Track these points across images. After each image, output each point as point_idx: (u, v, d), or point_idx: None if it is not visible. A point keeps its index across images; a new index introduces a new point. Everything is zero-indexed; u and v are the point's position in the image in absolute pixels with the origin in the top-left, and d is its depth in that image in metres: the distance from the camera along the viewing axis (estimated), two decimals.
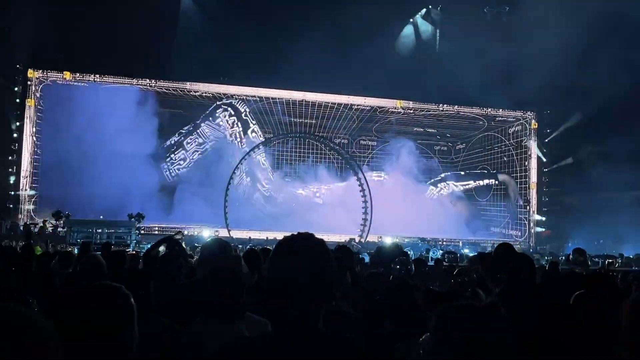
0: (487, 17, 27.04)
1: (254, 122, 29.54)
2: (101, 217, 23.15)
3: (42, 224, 21.61)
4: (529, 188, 30.08)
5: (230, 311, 2.72)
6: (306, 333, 1.81)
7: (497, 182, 31.91)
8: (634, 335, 2.51)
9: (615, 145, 29.23)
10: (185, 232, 23.50)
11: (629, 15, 22.49)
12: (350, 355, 1.85)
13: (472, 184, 33.26)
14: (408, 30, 30.80)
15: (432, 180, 33.77)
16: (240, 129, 29.24)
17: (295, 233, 1.96)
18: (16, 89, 25.58)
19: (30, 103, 25.21)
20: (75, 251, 13.35)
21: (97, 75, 25.77)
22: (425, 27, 30.61)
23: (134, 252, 14.03)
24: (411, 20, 30.90)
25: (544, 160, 30.54)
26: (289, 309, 1.82)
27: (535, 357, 2.38)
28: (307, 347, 1.78)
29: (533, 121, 30.02)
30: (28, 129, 25.14)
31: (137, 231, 21.25)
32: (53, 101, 25.38)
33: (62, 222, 20.75)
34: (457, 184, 33.69)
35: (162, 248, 7.05)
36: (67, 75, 25.64)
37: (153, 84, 26.47)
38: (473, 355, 2.02)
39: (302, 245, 1.90)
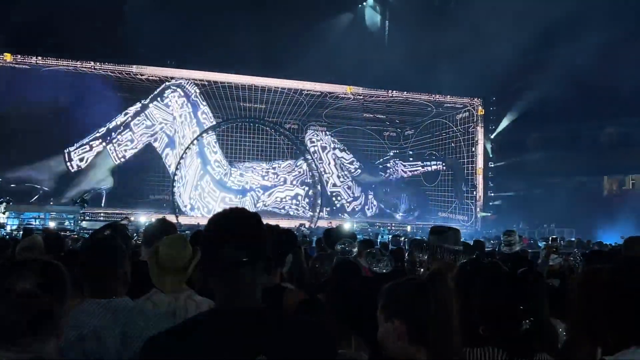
0: (435, 3, 27.27)
1: (204, 103, 29.12)
2: (51, 201, 22.63)
3: None
4: (476, 174, 30.62)
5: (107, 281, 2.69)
6: (245, 305, 1.79)
7: (444, 167, 32.35)
8: (580, 310, 2.57)
9: (560, 132, 30.07)
10: (132, 218, 23.14)
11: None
12: (293, 328, 1.84)
13: (420, 169, 33.64)
14: (349, 15, 30.71)
15: (381, 166, 34.04)
16: (190, 109, 28.77)
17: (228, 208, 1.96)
18: None
19: None
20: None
21: (40, 58, 24.97)
22: (374, 13, 30.67)
23: (76, 235, 13.73)
24: (360, 5, 30.91)
25: (491, 146, 31.13)
26: (225, 283, 1.81)
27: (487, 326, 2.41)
28: (248, 319, 1.76)
29: (480, 107, 30.52)
30: None
31: (82, 217, 20.81)
32: None
33: (2, 207, 20.10)
34: (405, 169, 34.03)
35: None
36: (8, 57, 24.76)
37: (98, 67, 25.82)
38: (422, 326, 2.02)
39: (236, 218, 1.90)
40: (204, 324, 1.78)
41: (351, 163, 32.60)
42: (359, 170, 32.60)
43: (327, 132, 32.29)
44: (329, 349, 1.87)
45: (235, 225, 1.87)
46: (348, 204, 31.76)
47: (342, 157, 32.22)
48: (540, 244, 18.84)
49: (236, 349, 1.70)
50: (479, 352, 2.34)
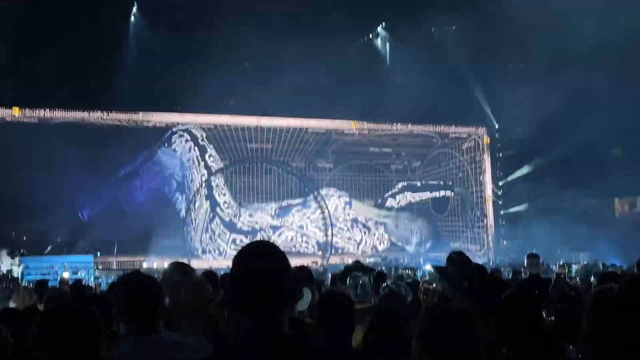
0: (435, 37, 27.59)
1: (211, 146, 29.33)
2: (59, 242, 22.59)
3: None
4: (485, 202, 30.56)
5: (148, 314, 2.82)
6: (275, 334, 1.83)
7: (453, 194, 32.23)
8: (592, 329, 2.59)
9: (568, 155, 30.05)
10: (145, 265, 23.20)
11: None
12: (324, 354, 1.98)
13: (428, 194, 33.37)
14: (351, 50, 30.81)
15: (390, 193, 33.87)
16: (197, 153, 28.98)
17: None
18: None
19: None
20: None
21: (48, 110, 25.30)
22: (375, 47, 30.90)
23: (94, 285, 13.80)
24: (361, 41, 31.18)
25: (500, 174, 31.12)
26: (252, 316, 1.83)
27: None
28: (279, 343, 1.82)
29: (485, 136, 30.62)
30: None
31: (95, 266, 20.86)
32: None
33: (17, 260, 20.21)
34: (415, 195, 33.67)
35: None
36: (16, 111, 25.10)
37: (105, 117, 26.12)
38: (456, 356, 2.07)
39: (262, 252, 1.93)
40: (245, 345, 1.80)
41: (343, 208, 32.09)
42: (349, 206, 32.09)
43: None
44: None
45: (262, 259, 1.90)
46: (356, 250, 31.23)
47: None
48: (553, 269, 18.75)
49: None
50: None
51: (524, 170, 30.76)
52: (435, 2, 25.07)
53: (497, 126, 30.82)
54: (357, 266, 7.03)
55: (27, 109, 25.20)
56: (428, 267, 19.01)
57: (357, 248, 31.41)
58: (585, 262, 18.55)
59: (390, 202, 33.48)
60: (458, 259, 4.48)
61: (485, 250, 30.18)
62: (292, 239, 30.44)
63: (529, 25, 24.12)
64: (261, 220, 30.45)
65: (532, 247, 26.91)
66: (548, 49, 24.82)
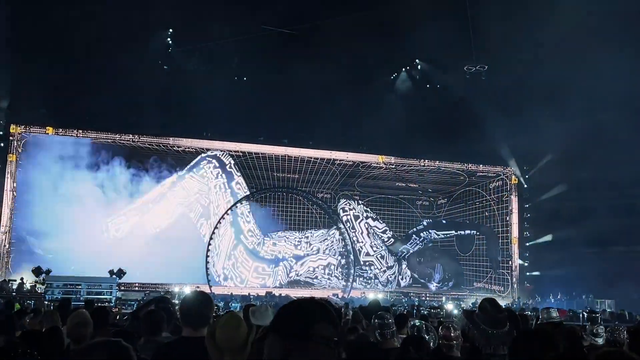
0: (467, 75, 27.68)
1: (238, 174, 29.50)
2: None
3: (20, 281, 21.29)
4: (511, 243, 30.17)
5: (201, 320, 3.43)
6: None
7: (478, 234, 31.97)
8: None
9: (596, 201, 29.69)
10: (167, 288, 23.27)
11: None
12: None
13: (453, 232, 33.22)
14: (381, 86, 31.14)
15: (415, 229, 33.72)
16: (225, 180, 29.13)
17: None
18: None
19: (11, 158, 25.03)
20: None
21: (80, 131, 25.75)
22: (405, 84, 31.09)
23: (117, 308, 13.89)
24: (393, 76, 31.43)
25: (527, 215, 30.81)
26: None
27: None
28: None
29: (513, 177, 30.35)
30: (9, 184, 24.87)
31: (118, 287, 20.99)
32: (35, 156, 25.22)
33: (42, 278, 20.42)
34: (439, 232, 33.59)
35: (151, 307, 7.02)
36: (50, 130, 25.60)
37: (136, 139, 26.49)
38: None
39: (321, 302, 1.97)
40: None
41: (384, 232, 32.49)
42: (392, 240, 32.47)
43: (359, 201, 32.42)
44: None
45: (324, 308, 1.93)
46: (382, 274, 31.39)
47: (375, 226, 32.13)
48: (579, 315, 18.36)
49: None
50: None
51: (551, 212, 30.43)
52: (469, 41, 25.17)
53: (525, 167, 30.60)
54: (381, 307, 7.01)
55: (61, 129, 25.70)
56: (450, 307, 18.84)
57: (384, 274, 31.38)
58: (609, 310, 18.17)
59: (414, 239, 33.44)
60: (490, 307, 4.31)
61: (509, 291, 29.73)
62: (314, 269, 30.38)
63: (562, 70, 24.16)
64: (284, 249, 30.44)
65: (555, 291, 26.73)
66: (580, 95, 24.67)
